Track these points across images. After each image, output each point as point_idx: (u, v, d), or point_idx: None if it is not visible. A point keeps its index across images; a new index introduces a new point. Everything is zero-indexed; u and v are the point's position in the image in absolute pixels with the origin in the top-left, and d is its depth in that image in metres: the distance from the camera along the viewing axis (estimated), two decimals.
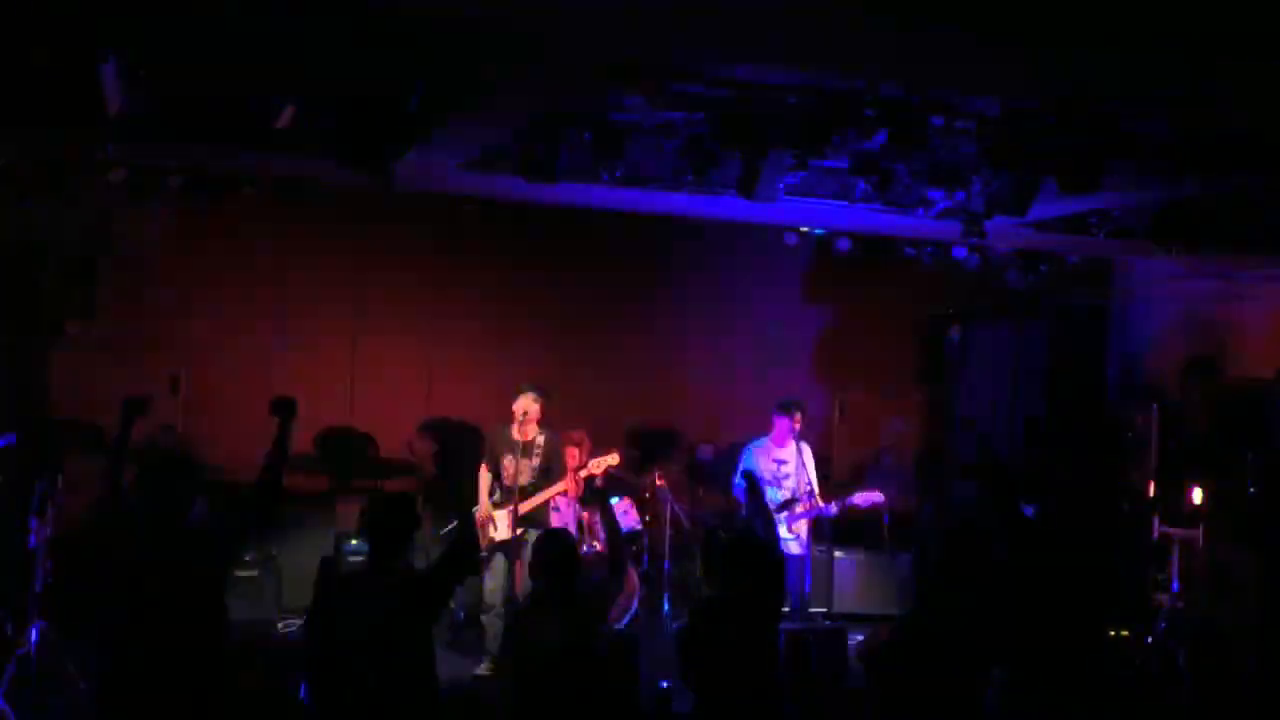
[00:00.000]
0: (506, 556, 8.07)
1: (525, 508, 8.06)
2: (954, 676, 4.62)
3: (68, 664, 6.85)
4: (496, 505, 8.15)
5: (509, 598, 8.03)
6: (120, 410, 4.97)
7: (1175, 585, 9.19)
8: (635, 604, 9.25)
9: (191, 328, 9.88)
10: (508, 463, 8.13)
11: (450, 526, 9.41)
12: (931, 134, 6.71)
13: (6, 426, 7.76)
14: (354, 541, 8.97)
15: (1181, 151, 7.00)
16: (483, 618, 8.25)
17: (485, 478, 8.26)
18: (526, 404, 8.10)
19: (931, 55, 5.26)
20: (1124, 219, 9.13)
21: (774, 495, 8.58)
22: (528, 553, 7.80)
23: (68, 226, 9.32)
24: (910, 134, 6.63)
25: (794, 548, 8.54)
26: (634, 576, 9.26)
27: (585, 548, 8.46)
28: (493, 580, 8.14)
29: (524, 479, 8.10)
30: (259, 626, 8.40)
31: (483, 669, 8.10)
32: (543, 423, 8.19)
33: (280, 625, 8.72)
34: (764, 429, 9.00)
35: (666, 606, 9.81)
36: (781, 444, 8.79)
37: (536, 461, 8.16)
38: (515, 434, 8.15)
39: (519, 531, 8.05)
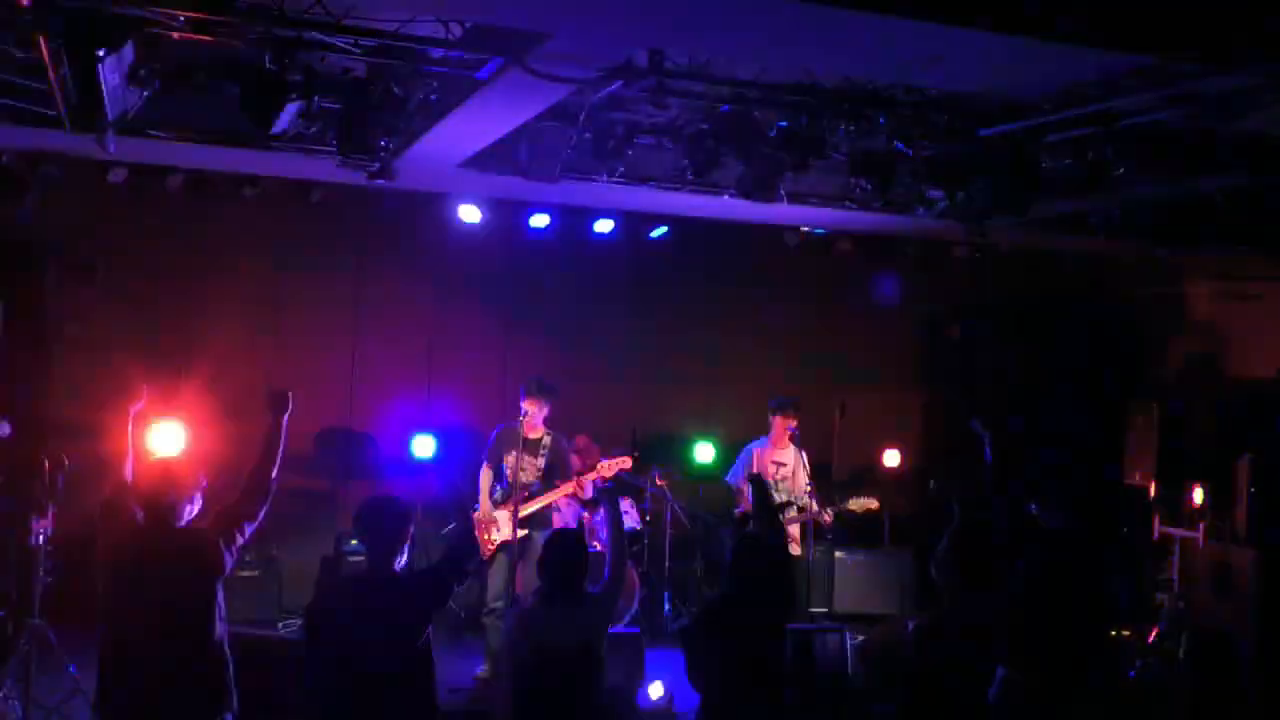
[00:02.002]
0: (509, 557, 8.00)
1: (529, 509, 8.02)
2: (965, 676, 4.62)
3: (67, 663, 6.85)
4: (498, 504, 8.12)
5: (512, 598, 8.00)
6: (124, 410, 4.98)
7: (1175, 585, 9.20)
8: (635, 604, 9.26)
9: (191, 328, 9.88)
10: (511, 460, 8.09)
11: (450, 527, 9.41)
12: (932, 133, 6.71)
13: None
14: (354, 542, 8.96)
15: (1183, 151, 7.00)
16: (484, 619, 8.21)
17: (486, 476, 8.21)
18: (535, 402, 8.07)
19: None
20: (1124, 219, 9.13)
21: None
22: (531, 553, 7.83)
23: (70, 227, 9.32)
24: (910, 133, 6.63)
25: (791, 549, 8.53)
26: (634, 576, 9.27)
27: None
28: (495, 581, 8.10)
29: (528, 477, 8.08)
30: (259, 626, 8.39)
31: (483, 671, 8.09)
32: (549, 421, 8.18)
33: (280, 625, 8.71)
34: (763, 429, 9.00)
35: (667, 606, 9.81)
36: (781, 445, 8.78)
37: (542, 461, 8.15)
38: (522, 432, 8.11)
39: (523, 532, 8.05)
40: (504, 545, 8.02)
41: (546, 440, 8.17)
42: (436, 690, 4.77)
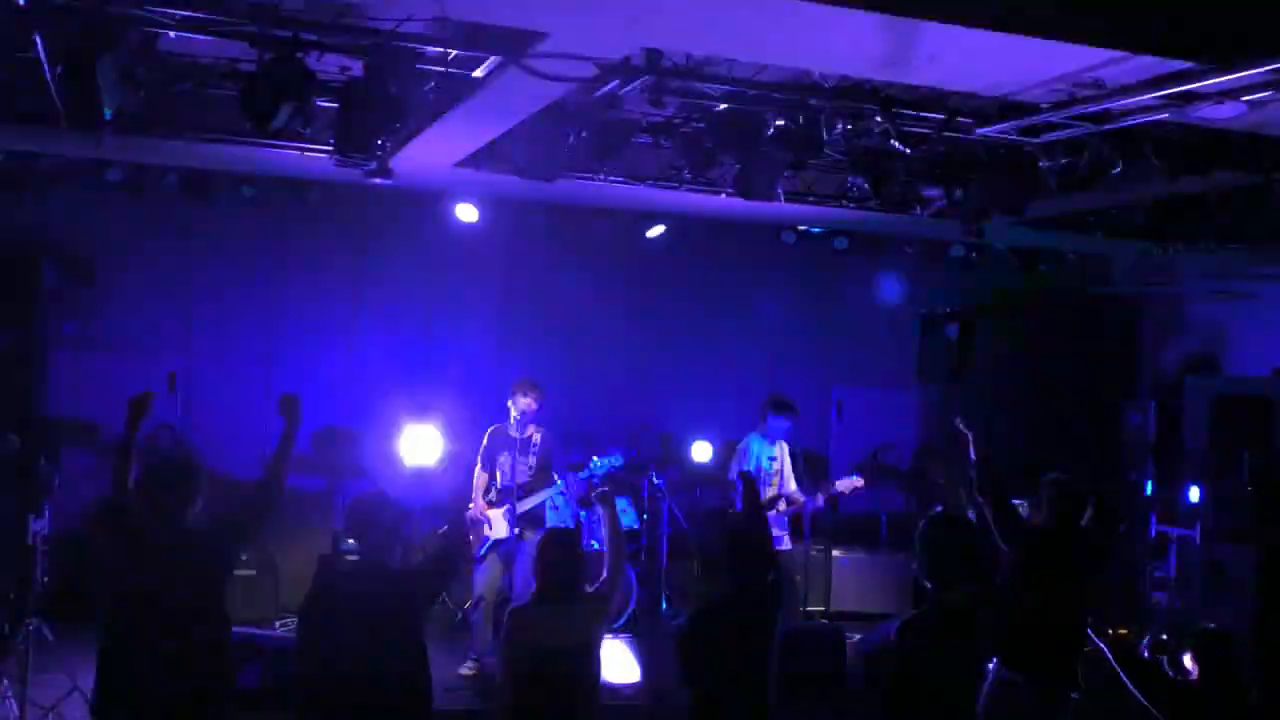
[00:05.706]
0: (500, 556, 8.06)
1: (524, 506, 8.05)
2: (949, 672, 4.62)
3: (64, 663, 6.85)
4: (492, 504, 8.12)
5: (502, 597, 8.00)
6: (126, 410, 4.98)
7: (1172, 584, 9.21)
8: (632, 603, 9.27)
9: (191, 328, 9.89)
10: (504, 460, 8.12)
11: (443, 529, 9.41)
12: (929, 131, 6.70)
13: (6, 426, 7.76)
14: (351, 540, 8.96)
15: (1181, 151, 6.99)
16: (471, 615, 8.24)
17: (482, 478, 8.22)
18: (525, 401, 8.08)
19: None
20: (1123, 217, 9.13)
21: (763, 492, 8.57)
22: (527, 552, 7.83)
23: (68, 226, 9.33)
24: (908, 131, 6.62)
25: (782, 543, 8.55)
26: (630, 576, 9.27)
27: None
28: (485, 579, 8.13)
29: (522, 477, 8.10)
30: (257, 626, 8.39)
31: (467, 668, 8.10)
32: (538, 420, 8.19)
33: (278, 624, 8.72)
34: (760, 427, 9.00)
35: (664, 606, 9.82)
36: (773, 441, 8.82)
37: (534, 460, 8.16)
38: (513, 432, 8.14)
39: (517, 531, 8.07)
40: (497, 544, 8.05)
41: (537, 438, 8.19)
42: (431, 686, 4.78)
